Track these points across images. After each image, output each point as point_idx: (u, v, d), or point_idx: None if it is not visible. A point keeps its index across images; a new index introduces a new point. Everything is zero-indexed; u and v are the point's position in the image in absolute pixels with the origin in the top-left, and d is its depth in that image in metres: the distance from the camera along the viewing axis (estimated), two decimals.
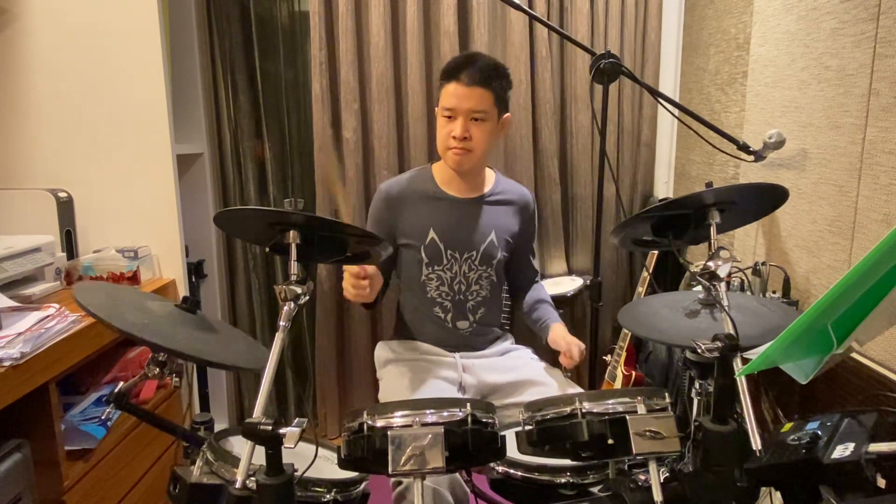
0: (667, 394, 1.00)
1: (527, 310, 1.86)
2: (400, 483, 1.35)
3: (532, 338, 1.88)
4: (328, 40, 2.35)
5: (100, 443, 1.59)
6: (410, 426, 0.94)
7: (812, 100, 1.61)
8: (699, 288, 1.21)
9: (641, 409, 0.97)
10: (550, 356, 1.75)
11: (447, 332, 1.75)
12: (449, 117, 1.62)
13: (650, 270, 2.31)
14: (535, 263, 1.91)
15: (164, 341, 1.07)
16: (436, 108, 1.69)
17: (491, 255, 1.74)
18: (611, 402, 0.99)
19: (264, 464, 0.92)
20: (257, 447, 0.92)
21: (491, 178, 1.81)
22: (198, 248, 2.51)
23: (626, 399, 0.99)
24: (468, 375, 1.68)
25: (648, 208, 1.18)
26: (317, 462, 1.00)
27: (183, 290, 2.05)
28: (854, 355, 1.37)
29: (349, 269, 1.46)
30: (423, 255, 1.72)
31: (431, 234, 1.71)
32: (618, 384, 2.31)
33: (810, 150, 1.62)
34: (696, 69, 2.36)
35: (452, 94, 1.60)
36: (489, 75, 1.60)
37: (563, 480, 1.18)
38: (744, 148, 1.81)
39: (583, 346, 1.65)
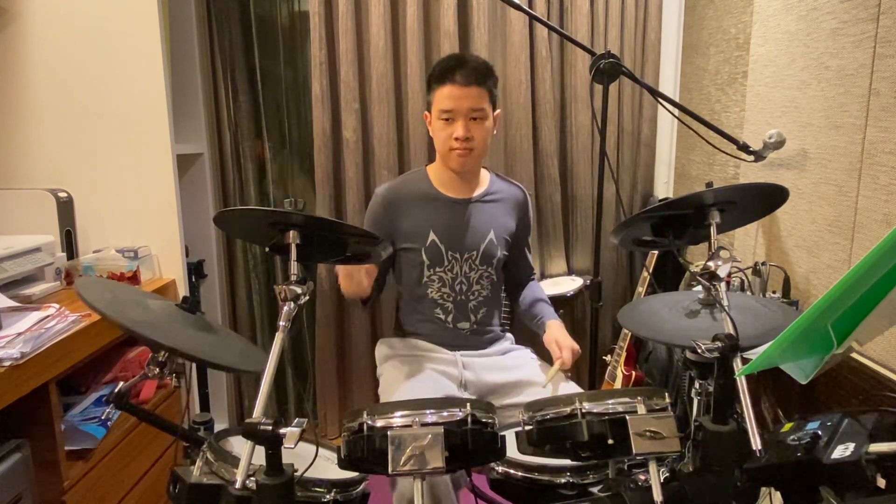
0: (667, 394, 1.00)
1: (524, 308, 1.86)
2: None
3: (532, 338, 1.87)
4: (328, 40, 2.35)
5: (100, 443, 1.59)
6: (410, 426, 0.94)
7: (812, 100, 1.61)
8: (699, 288, 1.21)
9: (641, 409, 0.97)
10: (550, 356, 1.75)
11: (448, 332, 1.75)
12: (447, 119, 1.62)
13: (650, 270, 2.31)
14: (531, 259, 1.92)
15: (165, 339, 1.07)
16: (425, 113, 1.68)
17: (491, 254, 1.75)
18: (611, 402, 0.99)
19: (264, 464, 0.92)
20: (257, 447, 0.92)
21: (486, 177, 1.81)
22: (198, 248, 2.51)
23: (626, 399, 0.99)
24: (468, 373, 1.69)
25: (648, 208, 1.18)
26: (317, 462, 1.00)
27: (183, 290, 2.05)
28: (854, 355, 1.37)
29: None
30: (424, 257, 1.72)
31: (432, 235, 1.72)
32: (618, 384, 2.30)
33: (810, 150, 1.62)
34: (696, 69, 2.36)
35: (449, 95, 1.60)
36: (483, 74, 1.62)
37: (563, 480, 1.18)
38: (744, 148, 1.81)
39: (577, 347, 1.64)
